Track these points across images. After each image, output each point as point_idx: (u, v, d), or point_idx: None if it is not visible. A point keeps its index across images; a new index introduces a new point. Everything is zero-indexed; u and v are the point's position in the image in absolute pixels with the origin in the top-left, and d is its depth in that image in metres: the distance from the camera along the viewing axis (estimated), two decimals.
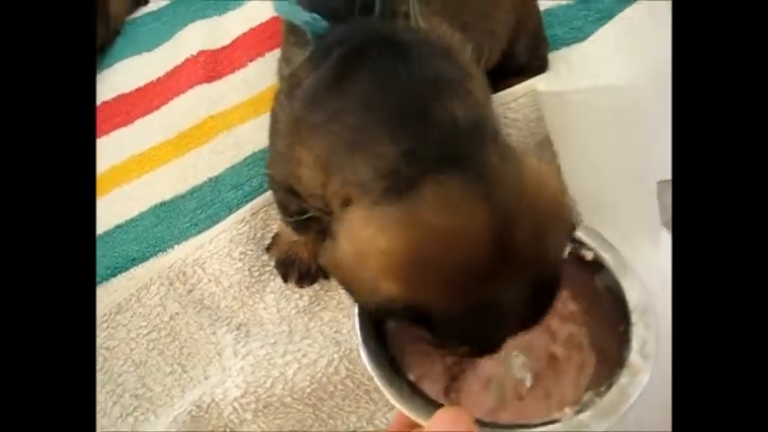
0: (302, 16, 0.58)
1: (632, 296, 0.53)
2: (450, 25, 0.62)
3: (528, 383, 0.55)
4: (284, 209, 0.68)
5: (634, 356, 0.50)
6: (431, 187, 0.43)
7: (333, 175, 0.50)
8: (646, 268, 0.69)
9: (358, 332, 0.52)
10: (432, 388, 0.52)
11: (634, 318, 0.52)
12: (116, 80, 0.93)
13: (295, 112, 0.55)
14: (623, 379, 0.49)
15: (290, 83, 0.58)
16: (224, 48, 0.91)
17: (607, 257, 0.56)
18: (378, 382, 0.50)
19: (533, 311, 0.47)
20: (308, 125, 0.53)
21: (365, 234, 0.45)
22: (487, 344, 0.48)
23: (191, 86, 0.89)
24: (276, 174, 0.63)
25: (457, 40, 0.61)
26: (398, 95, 0.49)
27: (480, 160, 0.44)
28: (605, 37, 0.84)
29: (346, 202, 0.48)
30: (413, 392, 0.49)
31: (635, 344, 0.51)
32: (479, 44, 0.67)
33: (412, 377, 0.51)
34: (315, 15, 0.57)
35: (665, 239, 0.72)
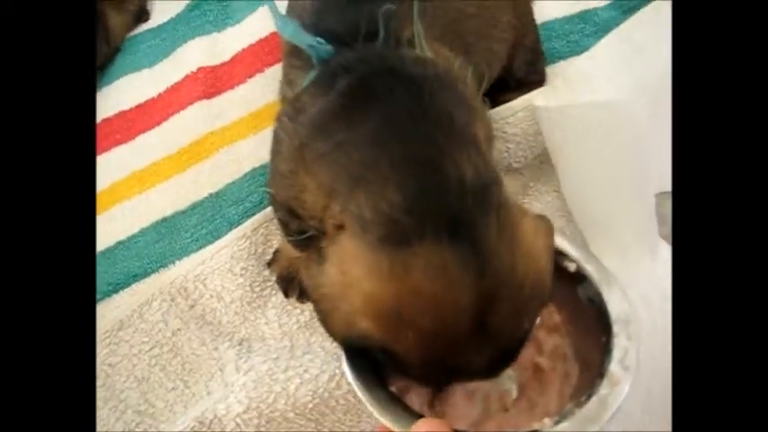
0: (307, 40, 0.58)
1: (614, 307, 0.54)
2: (452, 48, 0.63)
3: (514, 395, 0.55)
4: (285, 227, 0.68)
5: (614, 367, 0.51)
6: (426, 251, 0.44)
7: (334, 200, 0.50)
8: (645, 281, 0.70)
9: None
10: (417, 399, 0.53)
11: (616, 329, 0.53)
12: (116, 97, 0.93)
13: (300, 137, 0.55)
14: (603, 390, 0.50)
15: (294, 106, 0.58)
16: (224, 64, 0.92)
17: (589, 269, 0.57)
18: (357, 392, 0.50)
19: (496, 368, 0.49)
20: (314, 153, 0.53)
21: (354, 271, 0.46)
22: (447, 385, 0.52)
23: (191, 103, 0.89)
24: (278, 194, 0.63)
25: (458, 66, 0.62)
26: (410, 139, 0.50)
27: (480, 232, 0.45)
28: (602, 51, 0.85)
29: (341, 227, 0.49)
30: (394, 403, 0.50)
31: (616, 354, 0.52)
32: (480, 64, 0.68)
33: (394, 388, 0.52)
34: (319, 39, 0.58)
35: (663, 252, 0.73)
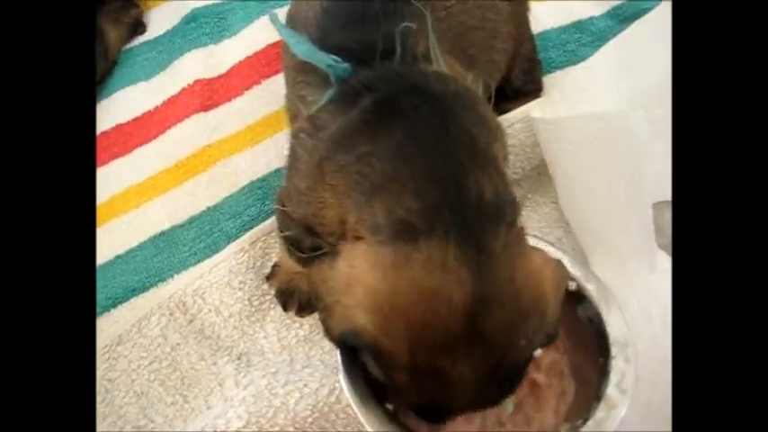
0: (324, 59, 0.58)
1: (613, 328, 0.54)
2: (462, 63, 0.63)
3: (510, 410, 0.55)
4: (296, 244, 0.67)
5: (611, 390, 0.51)
6: (430, 247, 0.45)
7: (349, 212, 0.51)
8: (643, 291, 0.70)
9: (339, 358, 0.54)
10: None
11: (614, 351, 0.53)
12: (113, 110, 0.93)
13: (320, 152, 0.55)
14: (600, 413, 0.50)
15: (313, 123, 0.58)
16: (220, 76, 0.92)
17: (590, 288, 0.57)
18: (354, 408, 0.50)
19: (487, 394, 0.48)
20: (334, 166, 0.53)
21: (361, 265, 0.47)
22: (435, 413, 0.50)
23: (188, 116, 0.89)
24: (295, 212, 0.62)
25: (471, 80, 0.62)
26: (433, 154, 0.50)
27: (486, 241, 0.46)
28: (599, 61, 0.85)
29: (357, 239, 0.49)
30: (390, 420, 0.51)
31: (613, 377, 0.52)
32: (484, 76, 0.68)
33: (390, 406, 0.52)
34: (336, 58, 0.57)
35: (662, 262, 0.73)
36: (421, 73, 0.57)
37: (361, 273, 0.47)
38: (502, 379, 0.47)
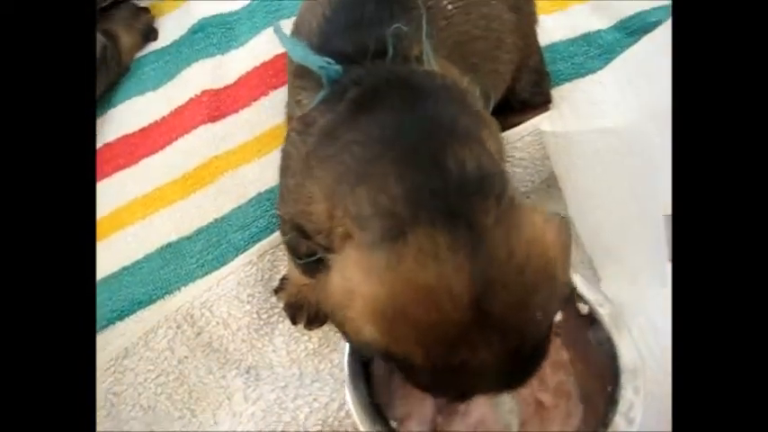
0: (316, 61, 0.59)
1: (624, 356, 0.54)
2: (460, 69, 0.64)
3: (514, 429, 0.55)
4: (293, 250, 0.68)
5: (619, 419, 0.51)
6: (419, 238, 0.43)
7: (336, 205, 0.50)
8: (655, 306, 0.70)
9: (346, 370, 0.54)
10: (418, 430, 0.53)
11: (623, 379, 0.53)
12: (120, 120, 0.92)
13: (308, 146, 0.56)
14: None
15: (303, 121, 0.59)
16: (227, 87, 0.92)
17: (602, 312, 0.56)
18: (358, 423, 0.50)
19: (513, 376, 0.46)
20: (320, 157, 0.53)
21: (355, 276, 0.45)
22: (462, 396, 0.48)
23: (195, 126, 0.89)
24: (286, 213, 0.63)
25: (467, 83, 0.62)
26: (413, 135, 0.49)
27: (476, 219, 0.44)
28: (607, 75, 0.85)
29: (346, 236, 0.49)
30: None
31: (621, 407, 0.51)
32: (486, 85, 0.68)
33: (394, 424, 0.52)
34: (328, 60, 0.58)
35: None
36: (409, 70, 0.57)
37: (356, 283, 0.45)
38: (525, 358, 0.45)
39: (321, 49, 0.61)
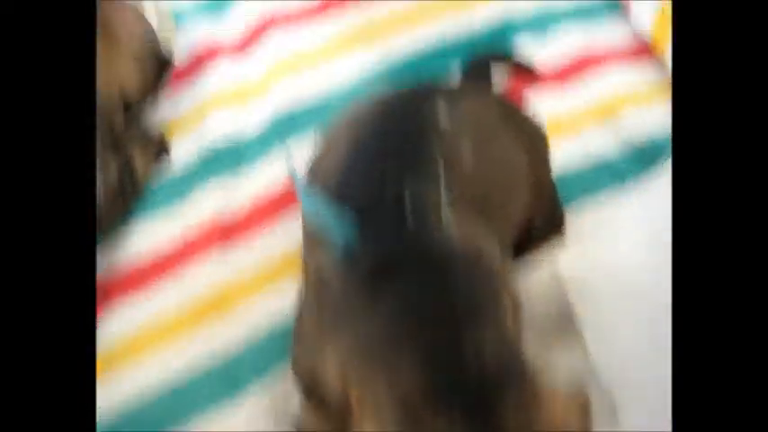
0: (331, 223, 0.58)
1: None
2: (476, 222, 0.63)
3: None
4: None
5: None
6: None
7: (351, 384, 0.50)
8: None
9: None
10: None
11: None
12: (128, 246, 0.91)
13: (323, 315, 0.56)
14: None
15: (316, 285, 0.59)
16: (239, 215, 0.90)
17: None
18: None
19: None
20: (335, 331, 0.53)
21: None
22: None
23: (205, 256, 0.87)
24: (299, 364, 0.62)
25: (484, 236, 0.62)
26: (429, 318, 0.50)
27: (495, 413, 0.45)
28: (620, 202, 0.86)
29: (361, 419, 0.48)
30: None
31: None
32: (503, 230, 0.68)
33: None
34: (343, 221, 0.58)
35: None
36: (427, 238, 0.58)
37: None
38: None
39: (338, 200, 0.61)
